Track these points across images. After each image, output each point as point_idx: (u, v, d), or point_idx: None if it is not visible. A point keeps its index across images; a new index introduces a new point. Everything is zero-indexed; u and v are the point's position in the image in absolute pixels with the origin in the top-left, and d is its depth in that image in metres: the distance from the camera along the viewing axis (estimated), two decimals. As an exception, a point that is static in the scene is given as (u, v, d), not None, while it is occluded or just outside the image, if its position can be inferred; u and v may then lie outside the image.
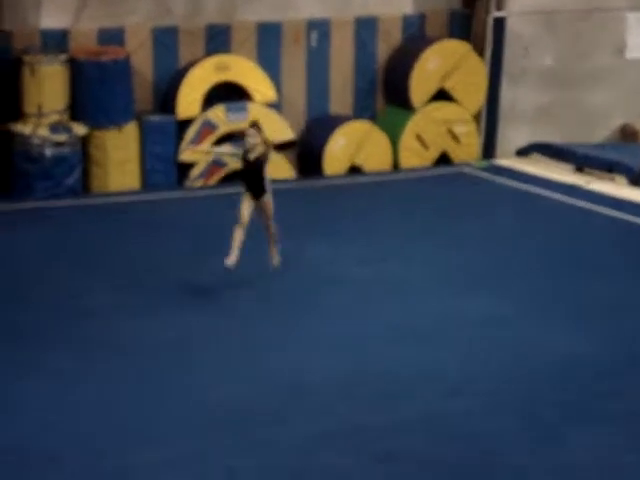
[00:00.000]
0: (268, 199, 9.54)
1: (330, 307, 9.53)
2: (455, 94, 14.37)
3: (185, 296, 9.74)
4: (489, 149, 14.65)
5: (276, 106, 13.73)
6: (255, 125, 9.54)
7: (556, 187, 13.38)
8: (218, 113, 13.38)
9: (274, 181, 13.29)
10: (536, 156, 14.68)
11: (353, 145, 13.98)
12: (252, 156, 9.46)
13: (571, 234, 11.73)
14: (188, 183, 13.38)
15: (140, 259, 10.71)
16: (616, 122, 15.24)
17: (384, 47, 14.37)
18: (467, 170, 14.25)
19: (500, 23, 14.43)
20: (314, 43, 14.08)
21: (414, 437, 7.27)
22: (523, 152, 14.83)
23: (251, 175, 9.53)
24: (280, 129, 13.61)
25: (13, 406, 7.64)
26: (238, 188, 9.91)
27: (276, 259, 9.73)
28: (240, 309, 9.38)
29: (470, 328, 9.11)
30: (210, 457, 7.01)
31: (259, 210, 9.60)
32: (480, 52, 14.45)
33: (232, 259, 9.35)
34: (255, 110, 13.49)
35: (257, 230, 9.79)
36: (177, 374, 8.21)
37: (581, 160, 14.20)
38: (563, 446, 7.19)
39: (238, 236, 9.39)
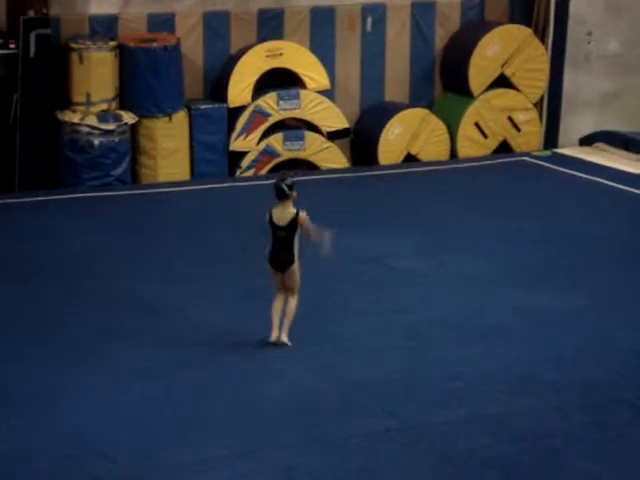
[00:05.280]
0: (295, 269, 8.18)
1: (390, 302, 9.23)
2: (516, 81, 13.97)
3: (233, 290, 9.47)
4: (551, 138, 14.24)
5: (329, 93, 13.41)
6: (290, 185, 8.08)
7: (621, 177, 12.98)
8: (269, 101, 13.07)
9: (329, 171, 13.23)
10: (600, 145, 14.23)
11: (409, 134, 13.63)
12: (283, 222, 8.06)
13: (637, 226, 11.32)
14: (238, 173, 13.10)
15: (189, 251, 10.48)
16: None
17: (442, 32, 14.01)
18: (528, 159, 13.85)
19: (563, 7, 14.00)
20: (369, 28, 13.74)
21: (478, 436, 6.99)
22: (587, 141, 14.39)
23: (282, 243, 8.09)
24: (334, 117, 13.33)
25: (67, 398, 7.47)
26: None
27: (284, 336, 8.23)
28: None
29: (534, 324, 8.77)
30: (266, 455, 6.76)
31: (283, 282, 8.23)
32: (542, 37, 14.06)
33: (275, 335, 8.22)
34: (308, 98, 13.17)
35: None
36: (231, 368, 7.95)
37: (646, 149, 13.78)
38: (632, 447, 6.89)
39: (277, 306, 8.20)
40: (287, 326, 8.27)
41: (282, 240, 8.11)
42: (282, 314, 8.28)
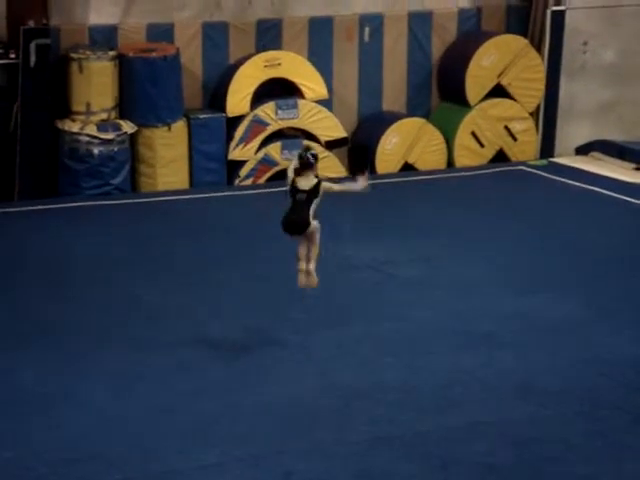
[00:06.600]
0: (313, 229, 8.17)
1: (388, 308, 9.29)
2: (512, 90, 14.06)
3: (232, 296, 9.52)
4: (547, 147, 14.32)
5: (327, 103, 13.49)
6: (313, 155, 8.19)
7: (617, 186, 13.05)
8: (268, 111, 13.15)
9: (327, 180, 13.24)
10: (596, 154, 14.32)
11: (406, 143, 13.71)
12: (306, 187, 8.08)
13: (633, 235, 11.37)
14: (237, 182, 13.17)
15: (188, 258, 10.53)
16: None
17: (439, 42, 14.10)
18: (525, 168, 13.93)
19: (559, 17, 14.09)
20: (367, 38, 13.82)
21: (476, 443, 7.03)
22: (583, 150, 14.47)
23: (300, 205, 8.13)
24: (331, 127, 13.40)
25: (67, 403, 7.53)
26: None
27: (312, 266, 8.30)
28: (293, 312, 9.10)
29: (533, 331, 8.83)
30: (264, 460, 6.79)
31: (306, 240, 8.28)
32: (538, 47, 14.14)
33: (303, 265, 8.27)
34: (306, 107, 13.25)
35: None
36: (229, 374, 8.00)
37: (641, 158, 13.86)
38: (630, 454, 6.92)
39: (302, 250, 8.24)
40: (314, 260, 8.23)
41: (300, 202, 8.09)
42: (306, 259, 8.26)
